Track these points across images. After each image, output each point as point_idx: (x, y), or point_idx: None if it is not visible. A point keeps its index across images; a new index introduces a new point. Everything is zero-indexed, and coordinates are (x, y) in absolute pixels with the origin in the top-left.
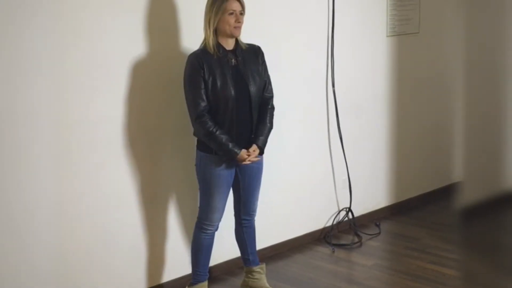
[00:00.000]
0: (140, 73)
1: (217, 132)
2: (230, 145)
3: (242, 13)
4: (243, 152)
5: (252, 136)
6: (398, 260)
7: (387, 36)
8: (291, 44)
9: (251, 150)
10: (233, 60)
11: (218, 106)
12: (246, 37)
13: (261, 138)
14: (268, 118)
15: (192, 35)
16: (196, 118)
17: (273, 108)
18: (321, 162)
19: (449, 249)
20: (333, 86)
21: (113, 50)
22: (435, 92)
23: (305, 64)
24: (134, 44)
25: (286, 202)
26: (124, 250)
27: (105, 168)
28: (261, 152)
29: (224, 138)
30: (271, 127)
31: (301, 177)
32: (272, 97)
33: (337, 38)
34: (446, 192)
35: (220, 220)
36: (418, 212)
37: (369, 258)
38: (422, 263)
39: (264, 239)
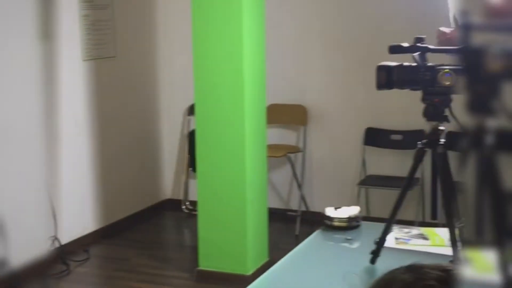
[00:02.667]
0: None
1: None
2: None
3: None
4: None
5: None
6: (107, 283)
7: (83, 60)
8: None
9: None
10: None
11: None
12: None
13: None
14: None
15: None
16: None
17: None
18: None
19: (157, 266)
20: None
21: None
22: (137, 115)
23: None
24: None
25: None
26: None
27: None
28: None
29: None
30: None
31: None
32: None
33: None
34: (155, 210)
35: None
36: (128, 233)
37: (78, 285)
38: (131, 283)
39: None
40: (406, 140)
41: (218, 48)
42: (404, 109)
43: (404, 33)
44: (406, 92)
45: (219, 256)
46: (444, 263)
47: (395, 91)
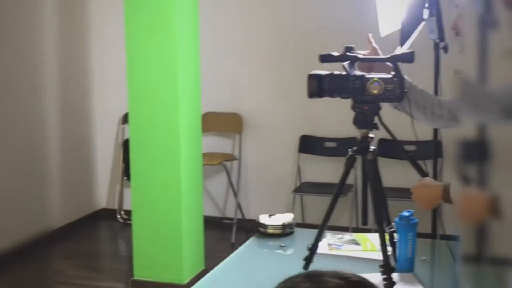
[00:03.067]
0: None
1: None
2: None
3: None
4: None
5: None
6: None
7: None
8: None
9: None
10: None
11: None
12: None
13: None
14: None
15: None
16: None
17: None
18: None
19: (92, 277)
20: None
21: None
22: (71, 124)
23: None
24: None
25: None
26: None
27: None
28: None
29: None
30: None
31: None
32: None
33: None
34: (89, 220)
35: None
36: (62, 243)
37: None
38: None
39: None
40: (340, 147)
41: (152, 57)
42: (338, 117)
43: (336, 42)
44: (339, 100)
45: (154, 266)
46: (343, 271)
47: (329, 99)
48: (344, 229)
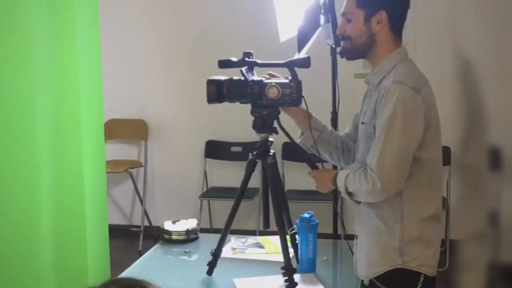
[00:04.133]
0: None
1: None
2: None
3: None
4: None
5: None
6: None
7: None
8: None
9: None
10: None
11: None
12: None
13: None
14: None
15: None
16: None
17: None
18: None
19: None
20: None
21: None
22: None
23: None
24: None
25: None
26: None
27: None
28: None
29: None
30: None
31: None
32: None
33: None
34: None
35: None
36: None
37: None
38: None
39: None
40: (246, 151)
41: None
42: (243, 121)
43: (238, 46)
44: (244, 104)
45: (58, 277)
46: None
47: (233, 104)
48: (252, 233)
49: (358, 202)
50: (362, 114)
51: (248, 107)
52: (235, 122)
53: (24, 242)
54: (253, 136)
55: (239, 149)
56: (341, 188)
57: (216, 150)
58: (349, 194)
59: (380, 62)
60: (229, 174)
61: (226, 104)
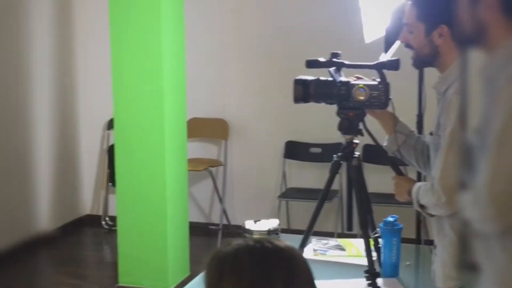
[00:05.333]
0: None
1: None
2: None
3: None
4: None
5: None
6: None
7: None
8: None
9: None
10: None
11: None
12: None
13: None
14: None
15: None
16: None
17: None
18: None
19: (76, 284)
20: None
21: None
22: (56, 129)
23: None
24: None
25: None
26: None
27: None
28: None
29: None
30: None
31: None
32: None
33: None
34: (74, 226)
35: None
36: (47, 249)
37: None
38: None
39: None
40: (325, 153)
41: (137, 62)
42: (323, 123)
43: (322, 48)
44: (325, 105)
45: (139, 272)
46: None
47: (314, 105)
48: (330, 235)
49: (431, 215)
50: (432, 123)
51: (329, 108)
52: (315, 123)
53: None
54: (333, 137)
55: (318, 150)
56: (414, 200)
57: (295, 151)
58: (421, 206)
59: (446, 70)
60: (308, 175)
61: (306, 105)
